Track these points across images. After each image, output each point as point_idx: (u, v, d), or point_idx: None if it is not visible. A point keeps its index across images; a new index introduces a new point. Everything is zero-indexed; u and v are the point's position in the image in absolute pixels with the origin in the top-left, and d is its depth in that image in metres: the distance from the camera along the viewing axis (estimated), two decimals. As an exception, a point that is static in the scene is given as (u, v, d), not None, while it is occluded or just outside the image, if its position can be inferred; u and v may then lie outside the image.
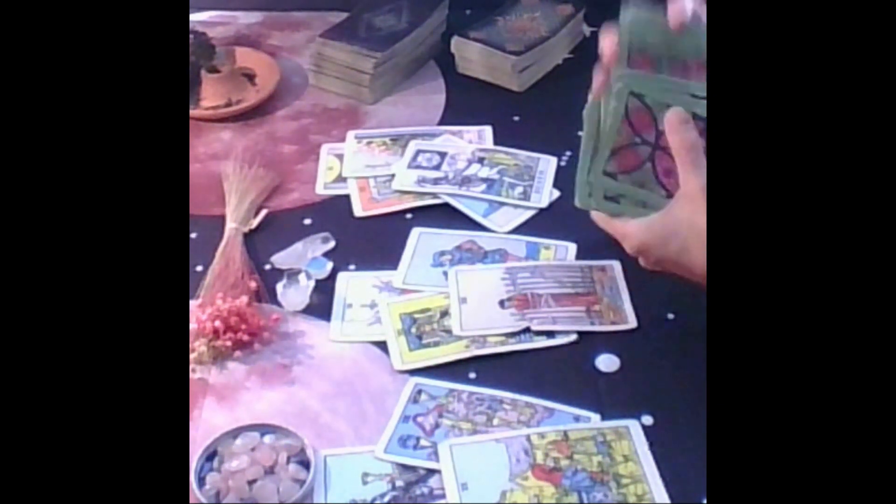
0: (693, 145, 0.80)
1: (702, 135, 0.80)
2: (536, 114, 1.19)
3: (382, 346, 0.90)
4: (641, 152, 0.85)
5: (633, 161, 0.85)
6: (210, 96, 1.21)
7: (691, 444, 0.78)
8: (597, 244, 0.96)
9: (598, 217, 0.89)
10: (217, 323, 0.89)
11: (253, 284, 0.95)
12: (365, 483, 0.78)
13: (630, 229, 0.84)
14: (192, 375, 0.87)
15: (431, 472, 0.79)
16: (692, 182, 0.79)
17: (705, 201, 0.77)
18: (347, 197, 1.07)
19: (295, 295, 0.94)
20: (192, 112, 1.18)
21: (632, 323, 0.91)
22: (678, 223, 0.80)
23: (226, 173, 1.08)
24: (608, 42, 0.84)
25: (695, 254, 0.78)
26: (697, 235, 0.76)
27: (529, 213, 1.04)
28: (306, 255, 0.98)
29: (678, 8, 0.83)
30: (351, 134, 1.16)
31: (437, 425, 0.82)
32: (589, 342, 0.90)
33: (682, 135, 0.80)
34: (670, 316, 0.92)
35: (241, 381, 0.87)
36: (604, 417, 0.83)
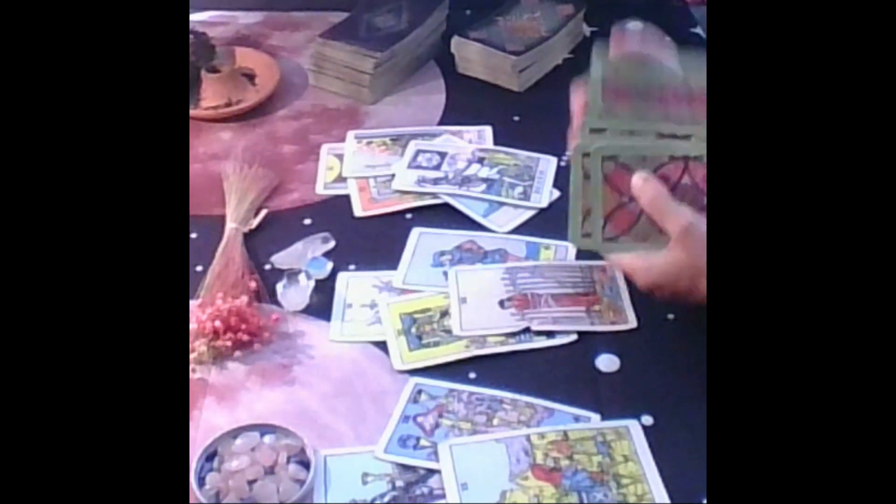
0: (658, 195, 0.84)
1: (685, 172, 0.84)
2: (536, 114, 1.19)
3: (382, 346, 0.90)
4: (632, 209, 0.86)
5: (627, 220, 0.87)
6: (210, 96, 1.21)
7: (691, 444, 0.78)
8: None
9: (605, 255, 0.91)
10: (217, 323, 0.89)
11: (253, 284, 0.95)
12: (365, 483, 0.78)
13: (638, 269, 0.87)
14: (192, 375, 0.87)
15: (431, 472, 0.79)
16: (675, 225, 0.83)
17: (693, 238, 0.81)
18: (347, 197, 1.07)
19: (295, 295, 0.94)
20: (192, 112, 1.18)
21: (632, 323, 0.91)
22: (679, 266, 0.83)
23: (226, 173, 1.08)
24: (577, 99, 0.88)
25: (704, 289, 0.79)
26: (701, 272, 0.78)
27: (529, 213, 1.04)
28: (306, 255, 0.98)
29: (618, 38, 0.87)
30: (351, 134, 1.16)
31: (437, 425, 0.82)
32: (589, 342, 0.90)
33: (646, 193, 0.85)
34: (670, 316, 0.92)
35: (241, 381, 0.87)
36: (604, 417, 0.83)
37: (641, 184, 0.85)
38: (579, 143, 0.86)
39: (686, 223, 0.82)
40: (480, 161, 1.10)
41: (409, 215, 1.04)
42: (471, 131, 1.16)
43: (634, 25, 0.89)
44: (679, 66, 0.87)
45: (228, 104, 1.20)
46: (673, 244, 0.83)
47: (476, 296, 0.93)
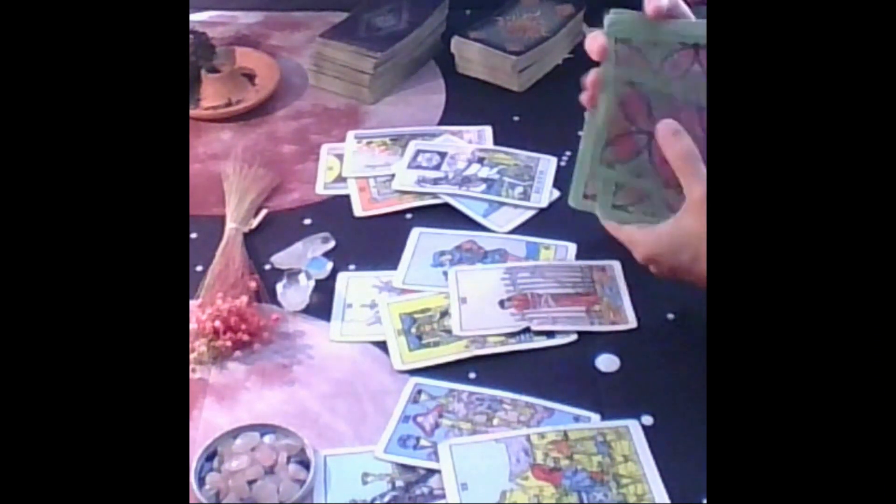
0: (688, 154, 0.81)
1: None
2: (536, 114, 1.19)
3: (382, 346, 0.90)
4: (638, 141, 0.85)
5: (630, 149, 0.85)
6: (210, 96, 1.21)
7: (691, 444, 0.78)
8: (597, 244, 0.96)
9: (605, 223, 0.89)
10: (217, 323, 0.89)
11: (253, 284, 0.95)
12: (365, 483, 0.78)
13: (639, 238, 0.85)
14: (192, 375, 0.87)
15: (431, 472, 0.79)
16: (696, 191, 0.80)
17: None
18: (347, 197, 1.07)
19: (295, 295, 0.94)
20: (192, 112, 1.18)
21: (632, 323, 0.91)
22: (688, 234, 0.80)
23: (226, 173, 1.08)
24: (595, 42, 0.84)
25: (704, 267, 0.78)
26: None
27: (529, 213, 1.04)
28: (306, 255, 0.98)
29: None
30: (351, 134, 1.16)
31: (437, 425, 0.82)
32: (589, 342, 0.90)
33: (675, 146, 0.82)
34: (670, 316, 0.92)
35: (241, 381, 0.87)
36: (604, 417, 0.83)
37: (670, 136, 0.81)
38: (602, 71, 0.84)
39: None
40: (480, 161, 1.10)
41: (409, 215, 1.04)
42: (471, 131, 1.16)
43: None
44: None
45: (228, 104, 1.20)
46: (689, 209, 0.80)
47: (476, 296, 0.93)
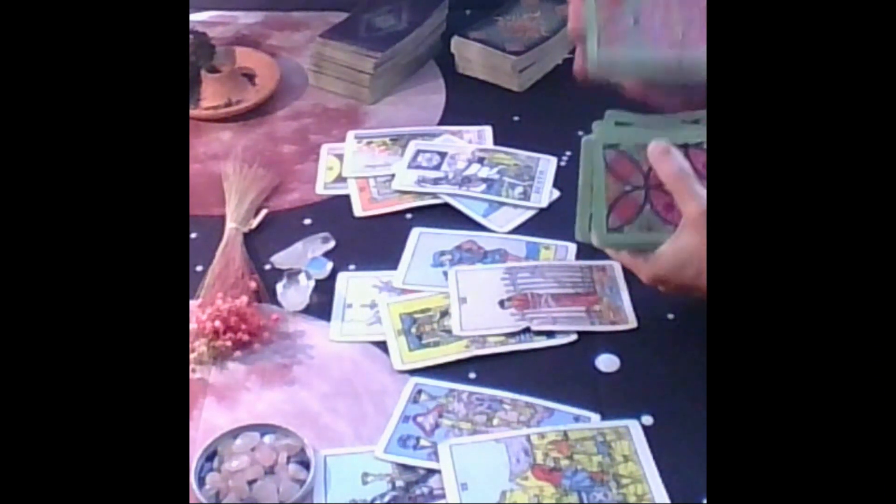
0: (681, 172, 0.82)
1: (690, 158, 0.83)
2: (536, 114, 1.19)
3: (382, 346, 0.90)
4: (636, 198, 0.86)
5: (632, 209, 0.86)
6: (210, 96, 1.21)
7: (691, 444, 0.78)
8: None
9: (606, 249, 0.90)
10: (217, 323, 0.89)
11: (253, 284, 0.95)
12: (365, 483, 0.78)
13: (641, 262, 0.86)
14: (192, 375, 0.87)
15: (431, 472, 0.79)
16: (692, 207, 0.81)
17: None
18: (347, 197, 1.07)
19: (295, 295, 0.94)
20: (192, 112, 1.18)
21: (632, 323, 0.91)
22: (689, 251, 0.81)
23: (226, 173, 1.08)
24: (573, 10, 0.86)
25: None
26: None
27: (529, 213, 1.04)
28: (306, 255, 0.98)
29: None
30: (351, 134, 1.16)
31: (437, 425, 0.82)
32: (589, 342, 0.90)
33: (667, 165, 0.83)
34: (670, 316, 0.92)
35: (241, 381, 0.87)
36: (604, 417, 0.83)
37: (660, 155, 0.83)
38: (592, 138, 0.86)
39: (705, 207, 0.79)
40: (480, 161, 1.10)
41: (409, 215, 1.04)
42: (471, 131, 1.16)
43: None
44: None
45: (228, 104, 1.20)
46: (687, 226, 0.81)
47: (476, 296, 0.93)
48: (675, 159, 0.83)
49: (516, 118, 1.19)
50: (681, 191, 0.82)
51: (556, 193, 1.06)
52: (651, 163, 0.84)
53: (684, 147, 0.84)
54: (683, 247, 0.82)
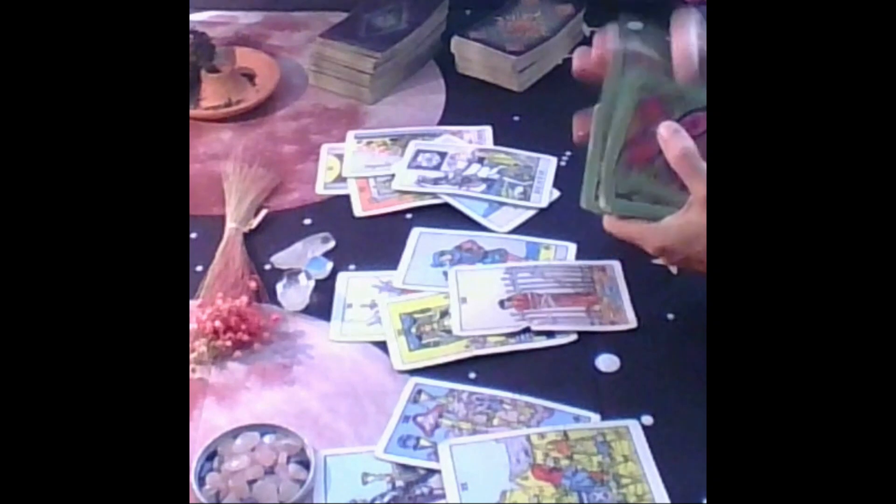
0: (687, 152, 0.81)
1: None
2: (536, 114, 1.19)
3: (382, 346, 0.90)
4: (654, 144, 0.83)
5: (647, 153, 0.84)
6: (210, 96, 1.21)
7: (691, 444, 0.78)
8: (597, 244, 0.96)
9: (611, 224, 0.88)
10: (217, 323, 0.89)
11: (253, 284, 0.95)
12: (365, 483, 0.78)
13: (649, 232, 0.85)
14: (192, 375, 0.87)
15: (431, 472, 0.79)
16: (698, 188, 0.81)
17: None
18: (347, 197, 1.07)
19: (295, 295, 0.94)
20: (192, 112, 1.18)
21: (632, 323, 0.91)
22: (697, 227, 0.81)
23: (226, 173, 1.08)
24: (596, 51, 0.85)
25: None
26: None
27: (529, 213, 1.04)
28: (306, 255, 0.98)
29: (683, 53, 0.83)
30: (351, 134, 1.16)
31: (437, 425, 0.82)
32: (589, 342, 0.90)
33: (675, 146, 0.82)
34: (670, 316, 0.92)
35: (241, 381, 0.87)
36: (604, 417, 0.83)
37: (669, 135, 0.82)
38: (633, 78, 0.84)
39: None
40: (480, 161, 1.10)
41: (409, 215, 1.04)
42: (471, 131, 1.16)
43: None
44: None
45: (228, 104, 1.20)
46: (695, 205, 0.81)
47: (476, 296, 0.93)
48: (682, 139, 0.82)
49: (516, 118, 1.19)
50: (687, 172, 0.81)
51: (556, 193, 1.06)
52: (660, 141, 0.82)
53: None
54: (691, 222, 0.81)
